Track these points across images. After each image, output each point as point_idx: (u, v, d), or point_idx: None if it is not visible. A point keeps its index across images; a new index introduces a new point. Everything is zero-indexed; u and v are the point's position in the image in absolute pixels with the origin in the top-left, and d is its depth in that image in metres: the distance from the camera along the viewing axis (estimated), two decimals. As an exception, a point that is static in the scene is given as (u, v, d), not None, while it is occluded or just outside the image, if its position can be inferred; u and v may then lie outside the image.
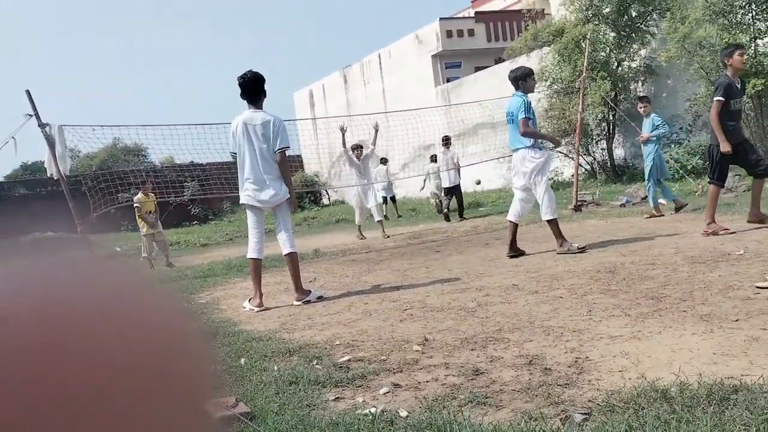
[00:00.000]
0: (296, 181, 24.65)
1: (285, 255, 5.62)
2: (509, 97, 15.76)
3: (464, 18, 29.89)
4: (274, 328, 4.60)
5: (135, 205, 11.40)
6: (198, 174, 17.16)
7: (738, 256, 5.02)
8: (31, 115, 8.05)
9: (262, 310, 5.40)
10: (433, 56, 26.54)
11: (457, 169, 13.47)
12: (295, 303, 5.51)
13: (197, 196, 17.50)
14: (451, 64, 27.24)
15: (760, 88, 11.10)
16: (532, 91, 6.93)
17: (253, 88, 5.42)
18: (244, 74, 5.42)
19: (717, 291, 3.96)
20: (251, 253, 5.62)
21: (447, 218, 13.08)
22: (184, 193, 18.52)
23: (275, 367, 3.45)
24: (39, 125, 8.10)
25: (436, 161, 14.66)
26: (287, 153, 5.52)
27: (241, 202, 5.65)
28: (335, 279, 6.78)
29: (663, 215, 8.57)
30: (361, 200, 11.91)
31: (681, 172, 12.11)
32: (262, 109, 5.51)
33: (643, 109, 9.27)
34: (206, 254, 12.65)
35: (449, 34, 26.75)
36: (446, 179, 13.25)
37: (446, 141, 13.63)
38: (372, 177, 12.80)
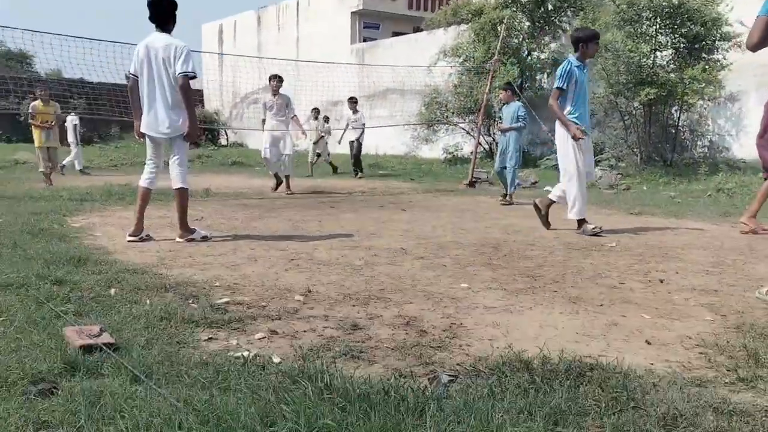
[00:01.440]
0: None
1: (174, 189, 5.40)
2: (420, 67, 15.80)
3: (389, -20, 29.52)
4: (152, 262, 4.41)
5: (29, 112, 10.50)
6: (87, 92, 16.01)
7: (610, 248, 5.36)
8: None
9: (135, 241, 5.17)
10: (353, 13, 26.13)
11: (362, 129, 13.69)
12: (178, 240, 5.32)
13: (83, 114, 16.37)
14: (370, 24, 26.94)
15: (652, 97, 11.80)
16: (592, 57, 6.34)
17: (162, 12, 5.13)
18: None
19: (587, 277, 4.22)
20: (141, 182, 5.38)
21: (335, 170, 14.39)
22: (70, 111, 17.26)
23: (147, 301, 3.31)
24: None
25: (319, 120, 15.22)
26: (191, 83, 5.23)
27: (140, 130, 5.34)
28: (224, 221, 6.60)
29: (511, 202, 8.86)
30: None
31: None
32: (169, 34, 5.21)
33: (503, 95, 9.24)
34: (85, 178, 11.92)
35: (372, -7, 26.39)
36: (352, 135, 13.88)
37: (355, 103, 14.19)
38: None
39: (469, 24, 16.65)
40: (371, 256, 4.82)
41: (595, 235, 5.92)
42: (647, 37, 12.47)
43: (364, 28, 26.73)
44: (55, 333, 2.69)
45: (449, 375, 2.47)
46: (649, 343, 2.88)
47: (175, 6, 5.20)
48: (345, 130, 14.06)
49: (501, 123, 9.18)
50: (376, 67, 19.17)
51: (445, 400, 2.14)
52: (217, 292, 3.65)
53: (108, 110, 15.21)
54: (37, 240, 4.84)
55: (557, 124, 6.17)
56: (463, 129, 16.95)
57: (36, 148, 10.44)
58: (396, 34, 26.17)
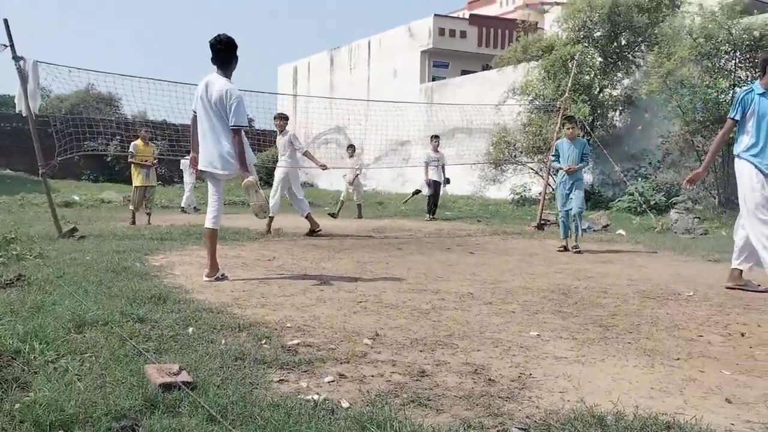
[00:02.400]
0: (268, 156, 24.41)
1: (205, 228, 5.53)
2: (489, 105, 15.60)
3: (459, 18, 29.93)
4: (227, 301, 4.57)
5: (130, 151, 11.21)
6: (170, 134, 16.82)
7: (687, 297, 5.17)
8: (6, 46, 7.81)
9: (211, 281, 5.34)
10: (423, 52, 26.55)
11: (443, 167, 13.54)
12: (205, 279, 5.42)
13: (165, 155, 17.18)
14: (440, 62, 27.29)
15: (730, 136, 11.38)
16: None
17: (220, 54, 5.33)
18: (217, 37, 5.30)
19: (663, 328, 4.08)
20: (206, 223, 5.53)
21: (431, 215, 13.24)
22: (154, 151, 18.16)
23: (223, 341, 3.43)
24: (13, 57, 7.87)
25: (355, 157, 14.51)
26: (243, 130, 5.34)
27: (198, 167, 5.56)
28: (294, 261, 6.76)
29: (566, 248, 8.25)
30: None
31: (644, 206, 12.39)
32: (228, 77, 5.41)
33: (570, 131, 8.26)
34: (166, 217, 12.46)
35: (442, 32, 26.79)
36: (435, 175, 13.36)
37: (438, 141, 13.67)
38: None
39: (540, 61, 16.61)
40: (438, 300, 4.83)
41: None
42: (726, 72, 12.11)
43: (433, 66, 27.11)
44: (137, 370, 2.82)
45: (519, 428, 2.45)
46: (729, 402, 2.76)
47: (233, 48, 5.36)
48: (426, 169, 13.40)
49: (558, 163, 8.32)
50: (445, 106, 19.32)
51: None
52: (288, 333, 3.74)
53: (184, 151, 15.91)
54: (121, 278, 5.10)
55: (735, 161, 5.47)
56: (531, 169, 16.79)
57: (134, 187, 11.07)
58: (465, 72, 26.39)
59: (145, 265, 5.96)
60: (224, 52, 5.33)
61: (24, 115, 8.07)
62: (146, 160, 11.12)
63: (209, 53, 5.35)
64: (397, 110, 16.20)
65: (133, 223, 10.52)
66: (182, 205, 14.89)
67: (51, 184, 8.55)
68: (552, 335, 3.84)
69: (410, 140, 20.81)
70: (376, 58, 28.54)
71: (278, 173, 9.97)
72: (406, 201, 15.41)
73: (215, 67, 5.40)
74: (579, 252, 7.96)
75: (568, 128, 8.30)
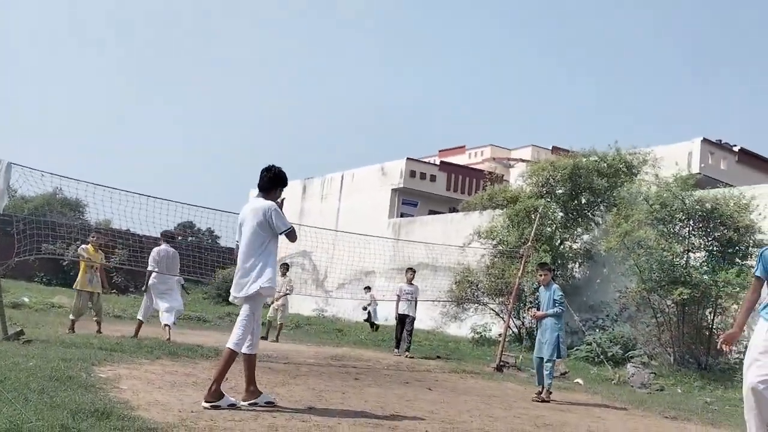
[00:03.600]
0: (229, 274, 24.18)
1: (242, 354, 5.42)
2: (454, 246, 15.96)
3: (430, 164, 31.33)
4: (173, 422, 4.35)
5: (80, 254, 10.90)
6: (131, 243, 16.67)
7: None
8: (-18, 145, 7.88)
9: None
10: (394, 190, 27.46)
11: (415, 302, 13.26)
12: (242, 403, 5.28)
13: (123, 265, 16.90)
14: (409, 201, 28.19)
15: (685, 297, 11.75)
16: None
17: (267, 182, 5.53)
18: (271, 167, 5.55)
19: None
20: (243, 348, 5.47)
21: (398, 347, 12.75)
22: (113, 259, 17.83)
23: (166, 464, 3.24)
24: (-11, 158, 7.90)
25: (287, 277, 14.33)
26: (292, 234, 5.47)
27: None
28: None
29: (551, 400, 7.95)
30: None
31: (601, 356, 12.45)
32: (264, 198, 5.55)
33: (543, 277, 8.32)
34: (117, 326, 12.04)
35: (413, 174, 27.94)
36: (406, 308, 12.97)
37: (413, 274, 13.55)
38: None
39: (504, 209, 17.28)
40: (394, 438, 4.67)
41: None
42: (680, 238, 12.70)
43: (402, 204, 27.95)
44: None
45: None
46: None
47: (282, 181, 5.56)
48: (397, 302, 13.01)
49: (535, 309, 8.49)
50: (411, 243, 19.70)
51: None
52: (236, 461, 3.56)
53: (147, 263, 15.70)
54: (64, 387, 4.85)
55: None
56: (492, 310, 16.93)
57: (77, 291, 10.65)
58: (432, 212, 27.22)
59: (91, 376, 5.69)
60: (268, 180, 5.53)
61: (-13, 213, 7.98)
62: (93, 267, 10.84)
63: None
64: (364, 242, 16.44)
65: (72, 330, 10.03)
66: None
67: (2, 283, 8.26)
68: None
69: (375, 271, 20.96)
70: (347, 191, 29.37)
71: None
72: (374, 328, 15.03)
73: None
74: (541, 401, 7.74)
75: (540, 274, 8.37)
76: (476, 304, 17.16)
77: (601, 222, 16.38)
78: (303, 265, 26.43)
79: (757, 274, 5.06)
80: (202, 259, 15.03)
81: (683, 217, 12.61)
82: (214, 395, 5.14)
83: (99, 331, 10.25)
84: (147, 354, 7.83)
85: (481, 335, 16.77)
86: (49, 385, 4.85)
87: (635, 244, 12.92)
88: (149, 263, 10.87)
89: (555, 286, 8.41)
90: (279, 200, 5.60)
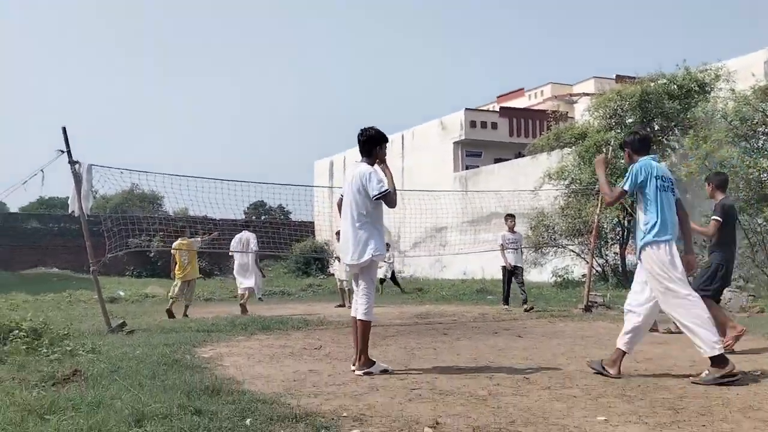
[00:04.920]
0: (306, 247, 24.68)
1: (357, 319, 5.39)
2: (525, 191, 15.69)
3: (489, 111, 30.66)
4: (279, 391, 4.50)
5: (193, 246, 11.53)
6: (210, 228, 17.20)
7: (754, 376, 4.93)
8: (63, 152, 8.20)
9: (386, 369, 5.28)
10: (455, 143, 27.10)
11: (521, 251, 12.39)
12: (356, 372, 5.25)
13: (206, 249, 17.51)
14: (472, 152, 27.77)
15: (780, 212, 11.20)
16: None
17: (366, 144, 5.50)
18: (364, 129, 5.54)
19: (736, 409, 3.87)
20: (352, 312, 5.52)
21: (506, 302, 11.78)
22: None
23: (281, 432, 3.37)
24: (69, 162, 8.24)
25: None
26: (387, 197, 5.30)
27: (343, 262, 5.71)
28: (341, 349, 6.68)
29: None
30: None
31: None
32: (365, 161, 5.50)
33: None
34: (209, 309, 12.54)
35: (473, 124, 27.42)
36: (513, 258, 11.97)
37: (513, 221, 12.27)
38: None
39: (573, 147, 16.77)
40: (494, 386, 4.68)
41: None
42: (766, 152, 12.04)
43: (466, 156, 27.58)
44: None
45: None
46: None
47: (375, 141, 5.49)
48: (502, 252, 11.95)
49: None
50: (480, 193, 19.49)
51: None
52: (346, 423, 3.65)
53: (228, 245, 16.19)
54: (173, 370, 5.09)
55: None
56: (573, 251, 16.63)
57: (178, 279, 11.11)
58: (498, 160, 26.73)
59: (195, 357, 5.96)
60: (365, 143, 5.50)
61: (77, 215, 8.36)
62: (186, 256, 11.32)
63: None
64: (432, 198, 16.38)
65: (173, 316, 10.54)
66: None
67: (99, 280, 8.70)
68: (620, 420, 3.67)
69: (447, 226, 20.89)
70: (409, 150, 29.20)
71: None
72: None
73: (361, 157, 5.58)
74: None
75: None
76: (555, 248, 16.88)
77: (677, 147, 15.68)
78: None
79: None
80: (279, 234, 15.32)
81: (766, 131, 11.92)
82: (366, 363, 5.27)
83: (186, 315, 10.71)
84: (242, 331, 8.13)
85: (564, 278, 16.55)
86: (159, 369, 5.11)
87: (718, 165, 12.34)
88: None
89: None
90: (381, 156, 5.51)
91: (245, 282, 11.98)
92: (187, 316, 10.71)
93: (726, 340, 5.99)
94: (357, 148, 5.72)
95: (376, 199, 5.28)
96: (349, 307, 12.82)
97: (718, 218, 6.42)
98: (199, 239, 12.15)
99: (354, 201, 5.37)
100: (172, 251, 11.43)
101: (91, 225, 8.63)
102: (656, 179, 5.01)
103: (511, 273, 11.90)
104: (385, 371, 5.27)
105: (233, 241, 12.31)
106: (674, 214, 5.03)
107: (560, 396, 4.33)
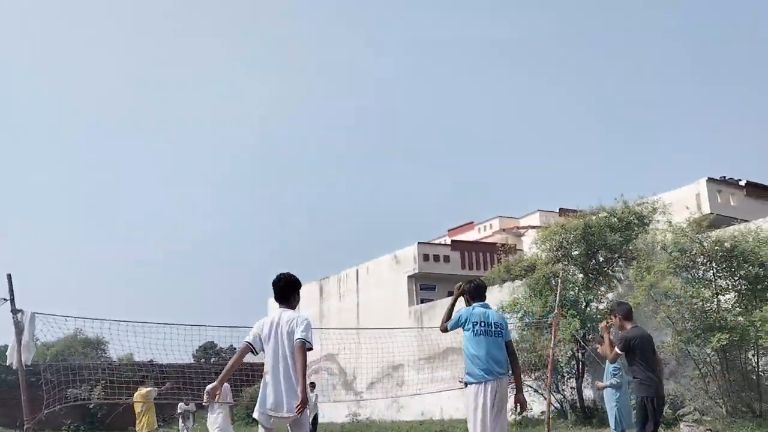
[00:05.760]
0: (257, 392, 23.70)
1: None
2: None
3: (441, 245, 31.32)
4: None
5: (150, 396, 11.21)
6: (156, 375, 16.46)
7: None
8: (5, 300, 7.90)
9: None
10: (409, 277, 27.31)
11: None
12: None
13: (161, 399, 16.65)
14: (426, 285, 27.97)
15: (724, 342, 11.39)
16: None
17: (286, 290, 5.30)
18: (279, 276, 5.34)
19: None
20: None
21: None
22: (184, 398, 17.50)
23: None
24: (12, 311, 7.91)
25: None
26: (306, 351, 5.02)
27: (254, 416, 5.16)
28: None
29: None
30: None
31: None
32: (292, 308, 5.29)
33: (599, 349, 9.07)
34: None
35: (426, 257, 27.86)
36: None
37: None
38: None
39: (524, 279, 17.08)
40: None
41: None
42: (706, 282, 12.46)
43: (420, 290, 27.72)
44: None
45: None
46: None
47: (296, 285, 5.34)
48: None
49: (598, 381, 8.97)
50: (436, 329, 19.40)
51: None
52: None
53: (176, 392, 15.45)
54: None
55: None
56: (530, 387, 16.40)
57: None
58: (451, 293, 26.87)
59: None
60: (286, 289, 5.31)
61: (14, 367, 7.90)
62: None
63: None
64: (388, 335, 16.21)
65: None
66: None
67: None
68: None
69: (403, 364, 20.52)
70: (364, 286, 29.23)
71: None
72: None
73: (278, 305, 5.33)
74: None
75: (595, 346, 9.29)
76: (511, 384, 16.67)
77: (623, 278, 16.11)
78: (330, 370, 25.97)
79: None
80: (230, 379, 14.74)
81: (705, 260, 12.43)
82: None
83: None
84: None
85: (524, 416, 16.19)
86: None
87: (662, 296, 12.67)
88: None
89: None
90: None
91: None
92: None
93: None
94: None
95: (300, 341, 5.00)
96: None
97: (617, 350, 6.57)
98: (155, 389, 11.75)
99: (287, 347, 5.06)
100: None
101: (29, 375, 8.14)
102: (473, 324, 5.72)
103: None
104: None
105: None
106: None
107: None
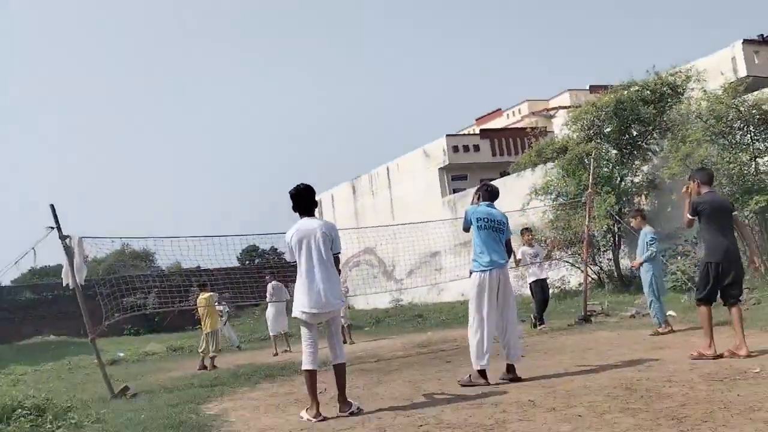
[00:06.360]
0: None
1: (334, 365, 5.50)
2: (514, 210, 15.95)
3: (470, 134, 30.98)
4: (287, 442, 4.50)
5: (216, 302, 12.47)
6: (205, 279, 17.16)
7: (755, 374, 4.97)
8: (52, 228, 8.23)
9: (320, 420, 5.21)
10: (440, 169, 27.30)
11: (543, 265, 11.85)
12: (340, 413, 5.31)
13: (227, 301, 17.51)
14: (457, 176, 27.98)
15: (762, 204, 11.33)
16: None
17: (305, 200, 5.64)
18: (297, 187, 5.65)
19: (738, 412, 3.91)
20: (306, 365, 5.47)
21: (542, 319, 11.13)
22: (189, 298, 18.47)
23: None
24: (60, 237, 8.25)
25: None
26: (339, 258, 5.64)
27: (293, 315, 5.62)
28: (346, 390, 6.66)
29: (672, 330, 8.46)
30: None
31: (689, 283, 12.12)
32: (314, 216, 5.70)
33: (633, 222, 9.36)
34: (234, 358, 12.54)
35: (455, 149, 27.68)
36: (538, 272, 11.48)
37: (530, 234, 12.03)
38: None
39: (556, 161, 16.95)
40: (500, 413, 4.70)
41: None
42: (743, 147, 12.23)
43: (452, 180, 27.76)
44: None
45: None
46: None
47: (313, 193, 5.72)
48: (518, 266, 11.12)
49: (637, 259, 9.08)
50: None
51: None
52: (355, 468, 3.66)
53: (224, 293, 16.18)
54: (179, 432, 5.08)
55: None
56: (567, 262, 16.69)
57: (208, 333, 11.56)
58: (483, 180, 26.91)
59: (200, 415, 5.94)
60: (306, 198, 5.64)
61: (71, 288, 8.33)
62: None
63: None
64: (423, 226, 16.47)
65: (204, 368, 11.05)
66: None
67: (97, 347, 8.65)
68: (625, 435, 3.69)
69: (440, 251, 20.93)
70: (396, 181, 29.36)
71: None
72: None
73: (298, 214, 5.67)
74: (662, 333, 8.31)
75: (631, 221, 9.52)
76: (548, 261, 16.95)
77: (658, 149, 15.87)
78: (369, 261, 26.66)
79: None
80: (274, 278, 15.29)
81: (742, 125, 12.15)
82: (349, 403, 5.42)
83: (212, 367, 11.05)
84: (245, 381, 8.10)
85: (561, 289, 16.59)
86: (164, 433, 5.09)
87: (698, 165, 12.51)
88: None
89: (645, 229, 8.91)
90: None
91: (281, 326, 13.27)
92: (215, 367, 10.89)
93: (696, 350, 6.19)
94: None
95: (337, 254, 5.62)
96: (350, 342, 13.07)
97: (688, 215, 6.48)
98: (215, 294, 12.66)
99: (325, 251, 5.49)
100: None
101: (86, 290, 8.60)
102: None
103: (541, 288, 11.44)
104: (359, 409, 5.39)
105: (271, 290, 13.45)
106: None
107: (566, 417, 4.35)
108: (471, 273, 6.29)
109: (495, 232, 6.24)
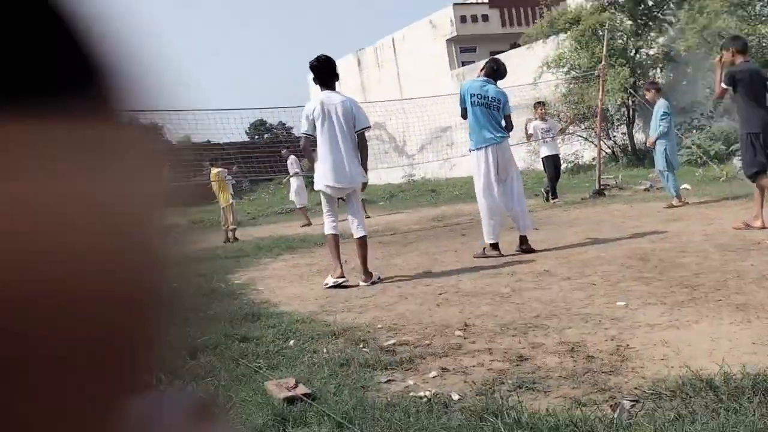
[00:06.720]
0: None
1: (356, 238, 5.66)
2: (525, 84, 15.63)
3: (478, 3, 29.64)
4: (315, 310, 4.75)
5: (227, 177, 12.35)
6: (217, 154, 17.22)
7: None
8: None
9: (344, 281, 5.47)
10: (448, 41, 26.42)
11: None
12: (362, 284, 5.55)
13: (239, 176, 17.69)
14: (466, 48, 27.14)
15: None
16: None
17: (326, 73, 5.52)
18: (318, 58, 5.52)
19: (750, 280, 4.07)
20: (329, 230, 5.67)
21: (555, 194, 11.12)
22: (203, 172, 18.72)
23: (324, 349, 3.60)
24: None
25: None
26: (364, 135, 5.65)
27: (316, 188, 5.73)
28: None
29: (686, 203, 8.57)
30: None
31: (704, 157, 12.11)
32: (335, 90, 5.63)
33: (648, 95, 9.19)
34: (255, 230, 12.90)
35: (463, 19, 26.62)
36: (549, 148, 11.42)
37: (543, 108, 11.80)
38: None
39: (568, 33, 16.38)
40: (516, 282, 4.91)
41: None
42: (763, 18, 11.78)
43: (460, 52, 26.97)
44: (257, 388, 3.01)
45: (630, 400, 2.52)
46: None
47: (335, 65, 5.62)
48: (530, 141, 11.83)
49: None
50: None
51: (635, 428, 2.20)
52: (382, 334, 3.89)
53: (238, 168, 16.29)
54: (211, 300, 5.35)
55: None
56: (580, 136, 16.60)
57: (224, 207, 11.56)
58: (493, 53, 26.08)
59: (228, 284, 6.23)
60: (328, 71, 5.54)
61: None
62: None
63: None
64: (432, 101, 16.24)
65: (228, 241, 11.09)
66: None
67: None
68: (640, 303, 3.88)
69: (451, 126, 20.80)
70: (402, 54, 28.53)
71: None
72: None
73: (319, 87, 5.62)
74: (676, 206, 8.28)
75: (645, 94, 9.33)
76: (561, 135, 16.85)
77: (674, 21, 15.26)
78: (379, 137, 26.57)
79: None
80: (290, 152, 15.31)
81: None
82: (371, 274, 5.61)
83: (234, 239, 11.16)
84: (267, 253, 8.40)
85: (574, 164, 16.64)
86: (197, 301, 5.35)
87: (716, 36, 12.10)
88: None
89: (659, 102, 8.74)
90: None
91: (303, 200, 13.39)
92: (237, 239, 10.98)
93: (742, 221, 6.06)
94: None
95: (363, 129, 5.59)
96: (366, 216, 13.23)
97: (723, 85, 6.30)
98: (224, 170, 12.58)
99: (347, 126, 5.47)
100: None
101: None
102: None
103: (554, 164, 11.38)
104: (380, 279, 5.62)
105: (294, 163, 13.61)
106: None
107: (580, 285, 4.54)
108: (470, 151, 6.41)
109: (489, 109, 6.18)
